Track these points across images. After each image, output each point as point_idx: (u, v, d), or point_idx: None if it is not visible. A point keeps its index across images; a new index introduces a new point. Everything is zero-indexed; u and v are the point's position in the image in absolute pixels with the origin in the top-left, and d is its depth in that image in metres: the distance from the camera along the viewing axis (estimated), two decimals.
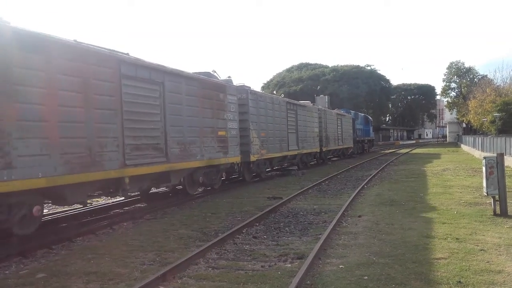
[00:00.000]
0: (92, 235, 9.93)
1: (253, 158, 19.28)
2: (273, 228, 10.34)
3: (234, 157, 17.47)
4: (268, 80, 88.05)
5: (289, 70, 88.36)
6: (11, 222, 8.52)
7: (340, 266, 7.18)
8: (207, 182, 16.00)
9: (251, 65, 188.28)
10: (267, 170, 22.88)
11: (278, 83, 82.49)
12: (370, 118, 57.63)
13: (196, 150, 14.45)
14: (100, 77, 10.25)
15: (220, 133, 16.19)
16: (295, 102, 27.49)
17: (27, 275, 7.21)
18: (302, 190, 16.56)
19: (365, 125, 51.40)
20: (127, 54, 11.70)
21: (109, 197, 13.81)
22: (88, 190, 10.53)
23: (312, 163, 31.53)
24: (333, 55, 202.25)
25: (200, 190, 16.58)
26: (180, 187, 15.71)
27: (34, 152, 8.43)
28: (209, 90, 15.54)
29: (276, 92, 70.89)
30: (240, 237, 9.48)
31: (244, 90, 19.11)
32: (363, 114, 54.06)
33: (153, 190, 15.69)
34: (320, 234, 9.26)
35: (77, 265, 7.68)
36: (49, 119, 8.80)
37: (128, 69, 11.32)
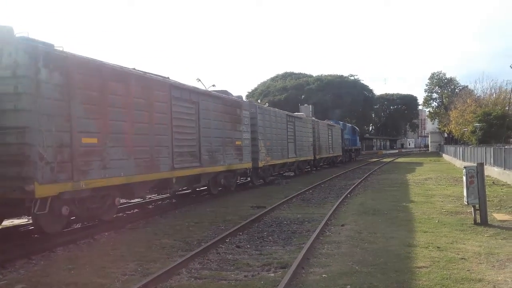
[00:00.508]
0: (72, 245, 9.75)
1: (261, 164, 22.24)
2: (256, 238, 10.32)
3: (247, 163, 20.49)
4: (253, 88, 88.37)
5: (273, 79, 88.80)
6: (102, 209, 11.47)
7: (323, 275, 7.19)
8: (226, 184, 18.96)
9: (235, 73, 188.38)
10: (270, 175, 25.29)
11: (262, 92, 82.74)
12: (357, 128, 60.76)
13: (220, 156, 17.37)
14: (158, 99, 13.17)
15: (237, 142, 19.25)
16: (293, 114, 30.43)
17: (5, 286, 7.07)
18: (286, 199, 16.57)
19: (352, 135, 54.07)
20: (168, 78, 14.33)
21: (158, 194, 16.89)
22: (147, 188, 13.38)
23: (306, 169, 33.89)
24: (318, 64, 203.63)
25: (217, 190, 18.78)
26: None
27: (119, 157, 11.22)
28: (229, 106, 18.66)
29: (261, 101, 71.06)
30: (223, 246, 9.43)
31: (253, 105, 22.42)
32: (350, 125, 56.98)
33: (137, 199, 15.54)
34: (303, 243, 9.27)
35: (57, 275, 7.55)
36: (127, 132, 11.61)
37: (176, 92, 14.31)
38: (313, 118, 36.99)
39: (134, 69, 12.61)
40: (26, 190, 8.84)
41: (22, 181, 8.86)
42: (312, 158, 33.43)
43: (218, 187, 18.60)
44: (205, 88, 17.81)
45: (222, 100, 18.03)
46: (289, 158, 27.26)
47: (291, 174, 30.09)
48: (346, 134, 50.00)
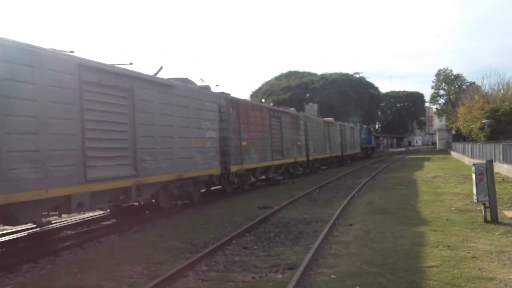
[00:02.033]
0: (78, 249, 9.72)
1: (311, 158, 30.95)
2: (263, 239, 10.24)
3: (303, 157, 29.42)
4: (257, 88, 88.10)
5: (277, 78, 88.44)
6: (245, 182, 20.49)
7: (332, 276, 7.10)
8: (292, 172, 27.66)
9: (239, 72, 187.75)
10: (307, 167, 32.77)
11: (266, 91, 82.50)
12: (372, 129, 69.61)
13: (291, 153, 26.44)
14: (264, 117, 22.67)
15: (298, 143, 28.32)
16: (328, 120, 39.10)
17: None
18: (292, 199, 16.48)
19: (368, 135, 61.94)
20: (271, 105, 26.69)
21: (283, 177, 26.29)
22: (260, 171, 22.29)
23: (335, 164, 40.54)
24: (322, 63, 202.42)
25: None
26: None
27: (253, 153, 20.25)
28: (295, 119, 28.40)
29: (265, 100, 70.88)
30: (230, 248, 9.36)
31: (305, 116, 31.70)
32: (366, 126, 64.86)
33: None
34: (311, 244, 9.17)
35: (64, 279, 7.52)
36: (255, 138, 20.72)
37: (272, 112, 24.05)
38: (340, 122, 44.74)
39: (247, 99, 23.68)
40: (228, 168, 17.71)
41: (227, 164, 17.60)
42: (341, 154, 41.70)
43: (289, 174, 26.93)
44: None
45: (291, 115, 27.82)
46: (326, 154, 36.15)
47: (325, 168, 37.57)
48: (363, 134, 57.57)
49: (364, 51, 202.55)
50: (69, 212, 10.24)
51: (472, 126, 52.47)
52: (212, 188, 18.63)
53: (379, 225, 11.14)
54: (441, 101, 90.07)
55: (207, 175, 15.86)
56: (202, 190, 17.31)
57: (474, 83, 73.01)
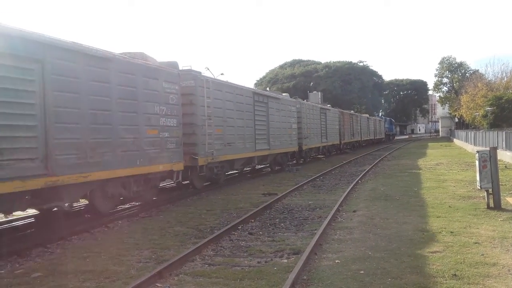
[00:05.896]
0: (87, 234, 9.86)
1: (343, 141, 41.92)
2: (268, 224, 10.36)
3: (336, 141, 39.31)
4: (261, 76, 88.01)
5: (282, 67, 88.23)
6: (328, 152, 37.02)
7: (336, 261, 7.21)
8: (332, 151, 39.05)
9: (245, 61, 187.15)
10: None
11: (271, 80, 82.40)
12: (393, 120, 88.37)
13: (355, 136, 47.27)
14: (333, 116, 38.62)
15: (358, 130, 48.99)
16: (368, 116, 58.16)
17: (22, 275, 7.17)
18: (297, 186, 16.58)
19: (390, 125, 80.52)
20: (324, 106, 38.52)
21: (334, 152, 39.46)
22: (330, 148, 38.27)
23: (364, 144, 54.90)
24: (326, 51, 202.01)
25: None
26: None
27: (312, 137, 31.20)
28: (356, 116, 48.62)
29: (269, 88, 70.76)
30: (235, 233, 9.48)
31: (360, 115, 51.98)
32: (389, 118, 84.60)
33: None
34: (315, 230, 9.29)
35: (73, 263, 7.65)
36: (315, 127, 32.14)
37: (343, 113, 42.39)
38: (375, 117, 65.74)
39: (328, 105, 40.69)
40: (300, 146, 27.47)
41: (298, 145, 26.89)
42: (373, 138, 60.29)
43: (325, 153, 37.52)
44: (213, 76, 17.95)
45: (355, 115, 47.67)
46: (367, 137, 55.33)
47: (364, 145, 52.90)
48: (386, 124, 75.96)
49: (368, 39, 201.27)
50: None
51: (475, 113, 52.33)
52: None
53: (383, 211, 11.24)
54: (444, 89, 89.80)
55: (329, 145, 35.99)
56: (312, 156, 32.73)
57: (477, 71, 72.71)
